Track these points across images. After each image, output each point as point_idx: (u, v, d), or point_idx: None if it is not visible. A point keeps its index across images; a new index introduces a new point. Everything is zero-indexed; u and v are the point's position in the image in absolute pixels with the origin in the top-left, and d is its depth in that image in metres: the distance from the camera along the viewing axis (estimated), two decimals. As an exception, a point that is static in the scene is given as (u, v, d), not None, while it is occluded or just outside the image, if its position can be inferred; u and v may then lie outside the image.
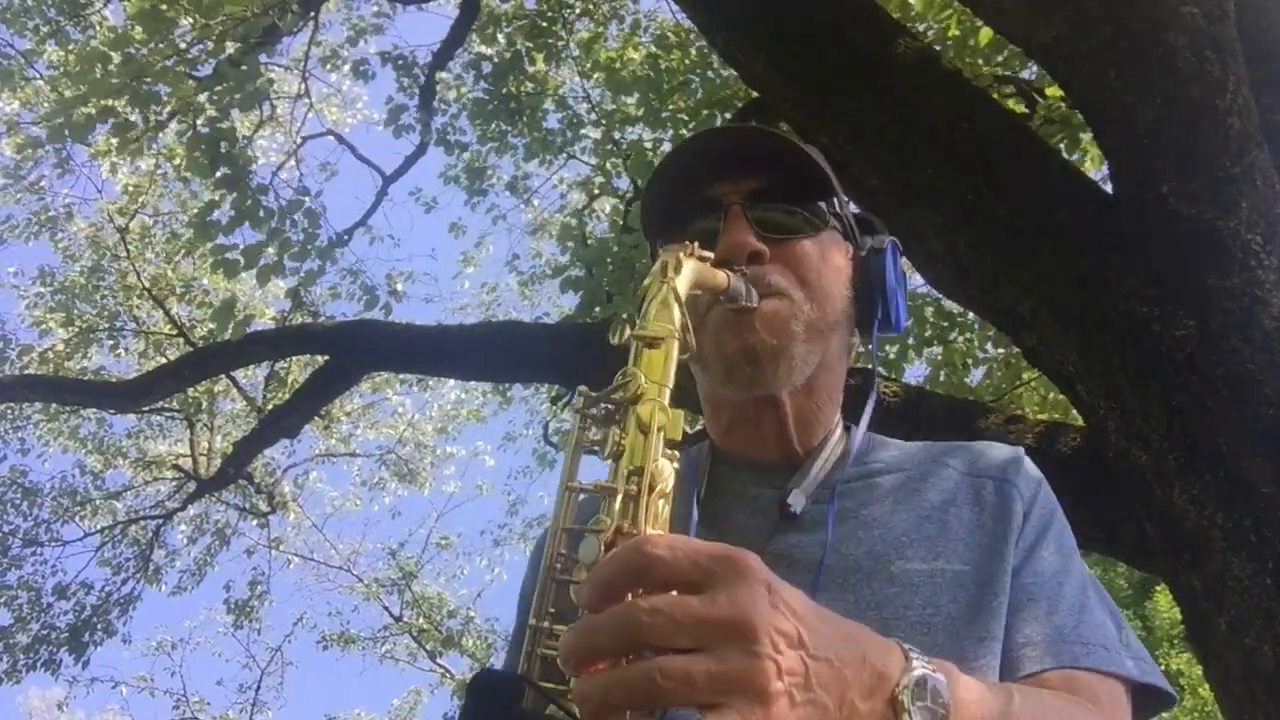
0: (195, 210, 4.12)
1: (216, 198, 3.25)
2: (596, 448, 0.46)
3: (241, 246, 3.21)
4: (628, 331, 0.49)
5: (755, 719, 0.36)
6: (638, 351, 0.48)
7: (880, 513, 0.61)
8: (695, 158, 0.64)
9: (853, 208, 0.71)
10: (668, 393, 0.46)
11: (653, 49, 3.92)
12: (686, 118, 3.57)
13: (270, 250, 3.25)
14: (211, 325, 5.42)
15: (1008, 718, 0.46)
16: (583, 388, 0.49)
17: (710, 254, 0.55)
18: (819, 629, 0.40)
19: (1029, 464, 0.66)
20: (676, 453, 0.45)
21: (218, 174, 3.18)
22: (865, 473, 0.65)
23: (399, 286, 4.12)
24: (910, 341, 3.28)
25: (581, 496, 0.47)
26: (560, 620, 0.44)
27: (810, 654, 0.39)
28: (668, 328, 0.48)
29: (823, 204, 0.67)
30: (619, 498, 0.43)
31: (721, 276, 0.55)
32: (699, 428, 0.68)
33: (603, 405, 0.47)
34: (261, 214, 3.22)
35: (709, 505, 0.63)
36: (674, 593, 0.37)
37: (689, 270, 0.51)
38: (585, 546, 0.41)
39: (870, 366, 0.70)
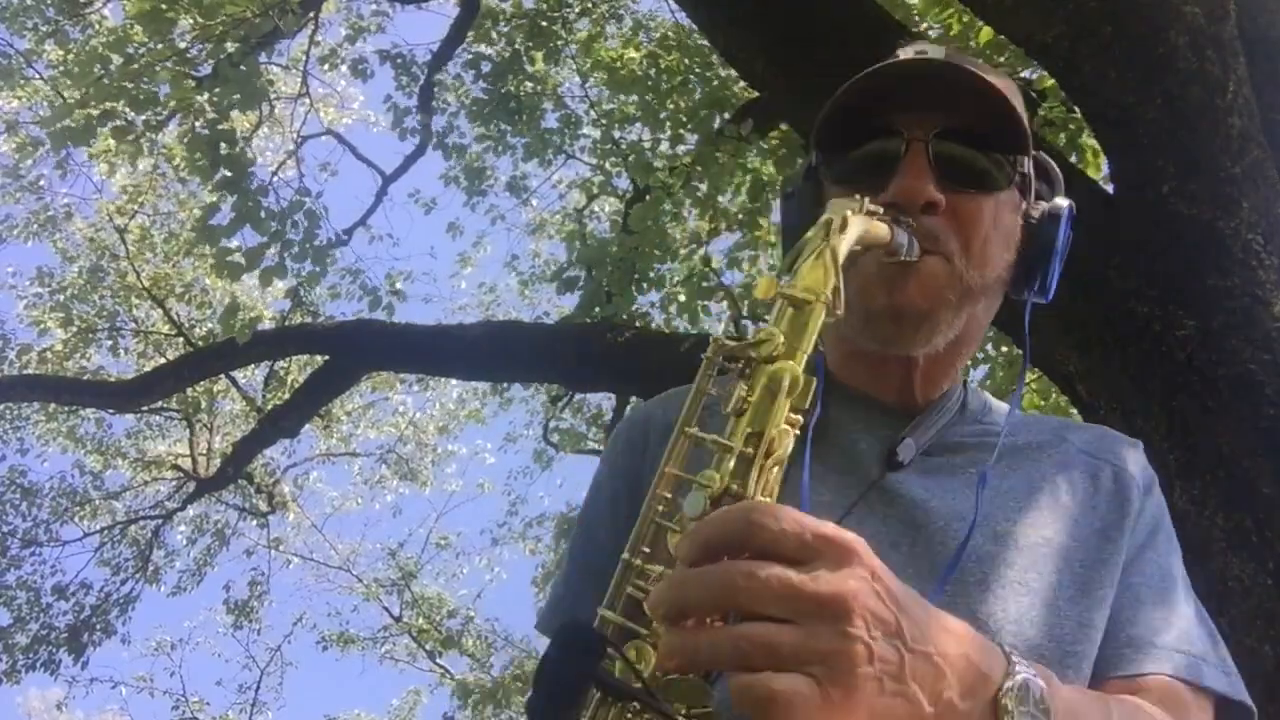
0: (195, 211, 4.12)
1: (216, 199, 3.24)
2: (720, 397, 0.44)
3: (243, 248, 3.21)
4: (774, 286, 0.45)
5: (836, 694, 0.35)
6: (781, 309, 0.44)
7: (991, 473, 0.58)
8: (891, 79, 0.59)
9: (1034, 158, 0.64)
10: (804, 358, 0.44)
11: (652, 49, 3.92)
12: (685, 118, 3.56)
13: (272, 251, 3.24)
14: (211, 325, 5.43)
15: None
16: (717, 334, 0.48)
17: (879, 209, 0.50)
18: (921, 621, 0.39)
19: (1146, 459, 0.64)
20: (799, 419, 0.43)
21: (218, 176, 3.18)
22: (981, 432, 0.62)
23: (398, 286, 4.11)
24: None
25: (692, 443, 0.46)
26: (653, 560, 0.43)
27: (908, 646, 0.38)
28: (817, 290, 0.44)
29: (1013, 157, 0.61)
30: (734, 457, 0.41)
31: (885, 230, 0.51)
32: None
33: (734, 357, 0.44)
34: (263, 215, 3.22)
35: (818, 438, 0.59)
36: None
37: (855, 227, 0.47)
38: (691, 500, 0.40)
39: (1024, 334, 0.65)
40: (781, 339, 0.44)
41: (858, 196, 0.49)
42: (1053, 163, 0.66)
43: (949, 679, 0.39)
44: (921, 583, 0.48)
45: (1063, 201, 0.65)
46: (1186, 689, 0.54)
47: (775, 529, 0.37)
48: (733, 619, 0.36)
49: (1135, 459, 0.63)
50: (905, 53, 0.61)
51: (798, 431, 0.43)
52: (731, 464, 0.41)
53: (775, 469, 0.43)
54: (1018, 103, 0.59)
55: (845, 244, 0.47)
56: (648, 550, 0.44)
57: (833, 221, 0.47)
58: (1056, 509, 0.58)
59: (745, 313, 3.76)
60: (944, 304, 0.58)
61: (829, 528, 0.38)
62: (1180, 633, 0.56)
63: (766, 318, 0.46)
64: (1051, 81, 2.51)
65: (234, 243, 3.21)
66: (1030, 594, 0.54)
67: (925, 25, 3.03)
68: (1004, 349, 3.25)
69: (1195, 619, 0.58)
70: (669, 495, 0.45)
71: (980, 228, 0.59)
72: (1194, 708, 0.54)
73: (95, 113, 3.13)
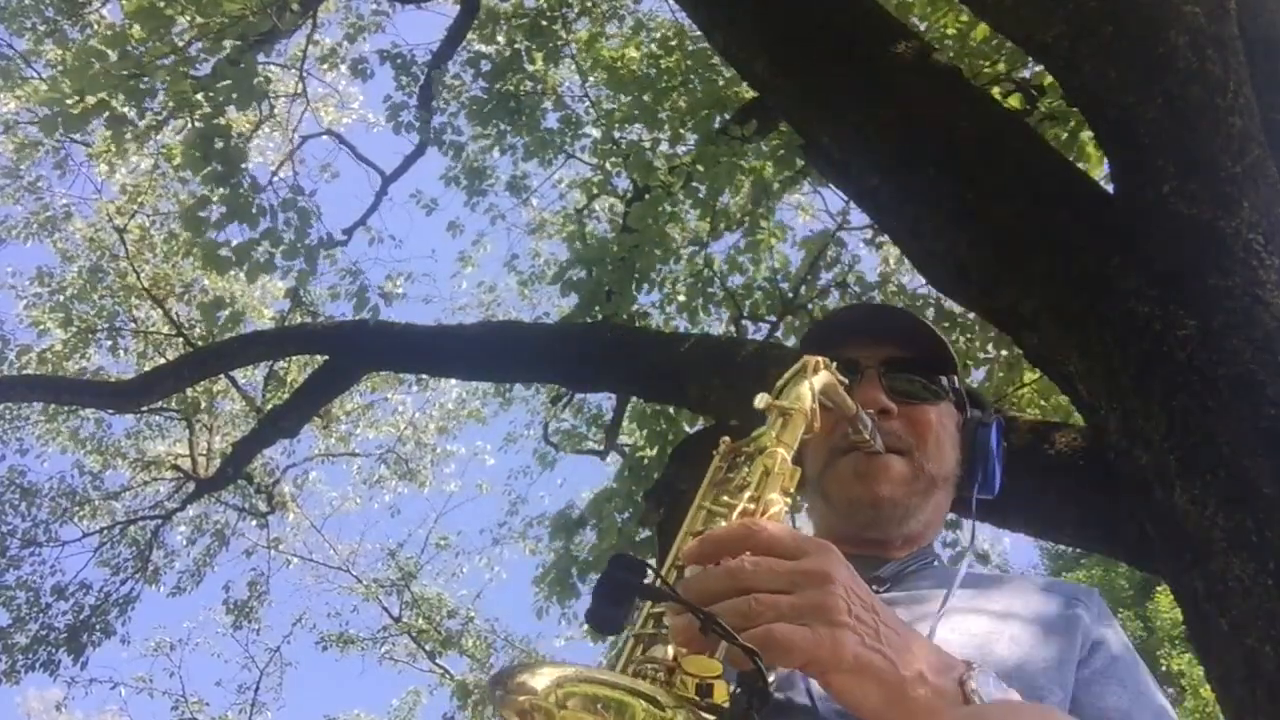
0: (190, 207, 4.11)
1: (210, 191, 3.23)
2: (726, 482, 0.59)
3: (234, 243, 3.20)
4: (768, 400, 0.60)
5: (824, 634, 0.45)
6: (774, 419, 0.59)
7: (961, 606, 0.67)
8: (842, 324, 0.79)
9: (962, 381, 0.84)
10: (791, 452, 0.57)
11: (652, 48, 3.92)
12: (686, 118, 3.56)
13: (262, 248, 3.23)
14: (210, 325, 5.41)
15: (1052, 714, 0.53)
16: (726, 437, 0.62)
17: (846, 380, 0.66)
18: (890, 611, 0.49)
19: (1098, 598, 0.72)
20: (788, 498, 0.55)
21: (209, 169, 3.16)
22: (948, 575, 0.72)
23: (398, 287, 4.11)
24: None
25: (706, 515, 0.57)
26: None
27: (881, 619, 0.48)
28: (800, 405, 0.60)
29: (944, 378, 0.79)
30: (738, 511, 0.53)
31: (851, 403, 0.67)
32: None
33: (737, 453, 0.60)
34: (254, 210, 3.21)
35: None
36: None
37: (824, 376, 0.63)
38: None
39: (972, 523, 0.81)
40: (775, 435, 0.58)
41: (826, 359, 0.65)
42: (979, 392, 0.86)
43: (916, 654, 0.48)
44: None
45: (992, 415, 0.82)
46: None
47: (771, 532, 0.48)
48: None
49: (1085, 593, 0.71)
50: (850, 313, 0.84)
51: (786, 505, 0.54)
52: (735, 516, 0.53)
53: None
54: (941, 335, 0.79)
55: (819, 382, 0.62)
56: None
57: (808, 364, 0.63)
58: (1013, 634, 0.65)
59: (745, 313, 3.75)
60: (911, 493, 0.73)
61: (818, 541, 0.49)
62: None
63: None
64: (1051, 79, 2.50)
65: (224, 236, 3.19)
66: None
67: (925, 26, 3.03)
68: (1004, 351, 3.25)
69: None
70: (682, 564, 0.53)
71: (929, 427, 0.76)
72: None
73: (91, 101, 3.11)
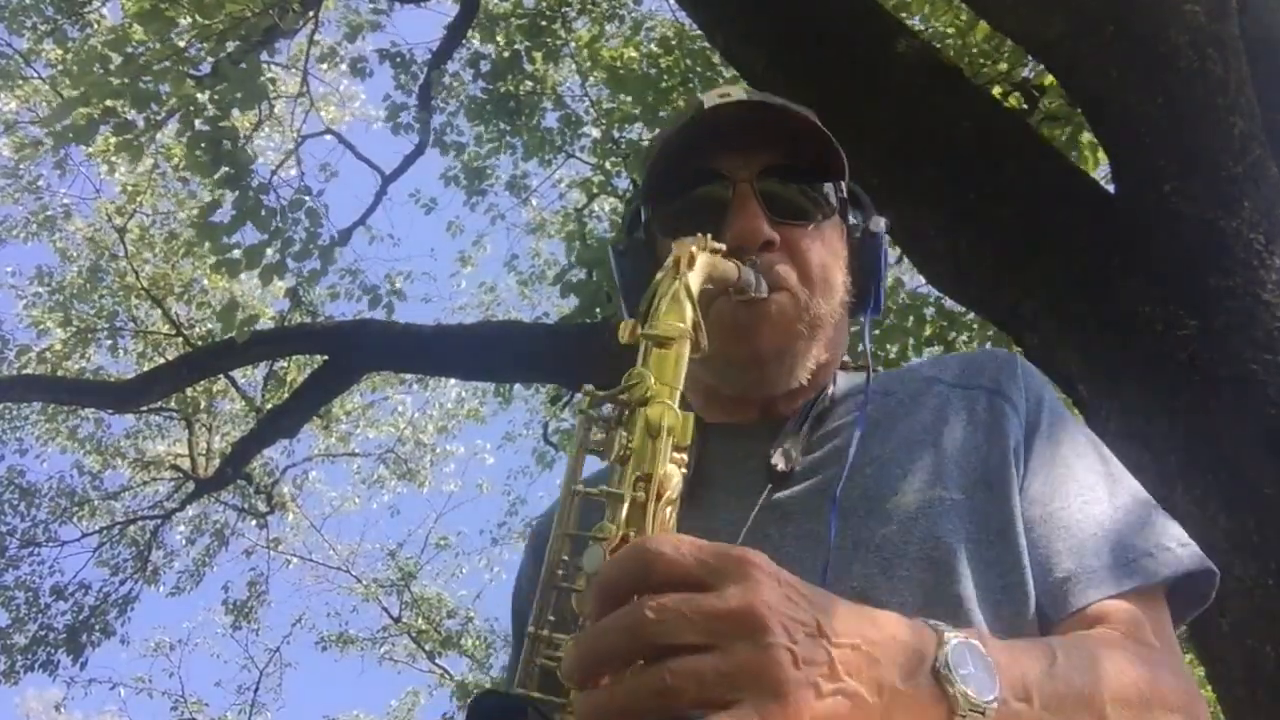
0: (195, 210, 4.11)
1: (217, 197, 3.23)
2: (601, 449, 0.44)
3: (242, 246, 3.20)
4: (637, 329, 0.47)
5: (772, 713, 0.34)
6: (646, 351, 0.46)
7: (869, 445, 0.58)
8: (706, 125, 0.61)
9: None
10: (678, 395, 0.45)
11: (652, 48, 3.92)
12: (686, 117, 3.55)
13: (271, 250, 3.23)
14: (210, 325, 5.42)
15: (1053, 677, 0.44)
16: (588, 386, 0.47)
17: (722, 246, 0.52)
18: (839, 614, 0.38)
19: (1025, 367, 0.62)
20: (684, 457, 0.44)
21: (218, 173, 3.17)
22: (853, 407, 0.62)
23: (398, 286, 4.10)
24: (911, 341, 3.27)
25: (582, 500, 0.46)
26: (561, 628, 0.43)
27: (833, 642, 0.37)
28: (679, 326, 0.46)
29: (829, 186, 0.64)
30: (625, 505, 0.41)
31: (732, 268, 0.53)
32: None
33: (609, 406, 0.45)
34: (263, 213, 3.21)
35: (694, 479, 0.58)
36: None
37: (702, 264, 0.49)
38: (590, 555, 0.40)
39: (862, 350, 0.67)
40: (652, 379, 0.44)
41: (700, 235, 0.50)
42: (860, 189, 0.69)
43: (883, 665, 0.38)
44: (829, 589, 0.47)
45: (880, 220, 0.67)
46: (1132, 600, 0.53)
47: (673, 555, 0.36)
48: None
49: (1008, 374, 0.61)
50: (709, 99, 0.62)
51: (684, 470, 0.43)
52: (624, 512, 0.41)
53: (669, 509, 0.42)
54: (827, 134, 0.62)
55: (696, 279, 0.48)
56: (553, 619, 0.43)
57: (680, 259, 0.48)
58: (940, 462, 0.56)
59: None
60: (796, 336, 0.60)
61: (724, 546, 0.37)
62: (1106, 542, 0.54)
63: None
64: (1051, 78, 2.50)
65: (234, 240, 3.20)
66: (935, 567, 0.52)
67: (925, 26, 3.03)
68: (1005, 349, 3.24)
69: (1121, 513, 0.55)
70: (566, 558, 0.44)
71: (817, 256, 0.61)
72: (1145, 616, 0.52)
73: (95, 112, 3.12)
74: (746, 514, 0.56)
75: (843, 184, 0.66)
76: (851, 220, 0.67)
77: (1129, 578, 0.53)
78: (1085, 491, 0.56)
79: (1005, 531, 0.54)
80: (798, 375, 0.61)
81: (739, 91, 0.62)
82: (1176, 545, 0.55)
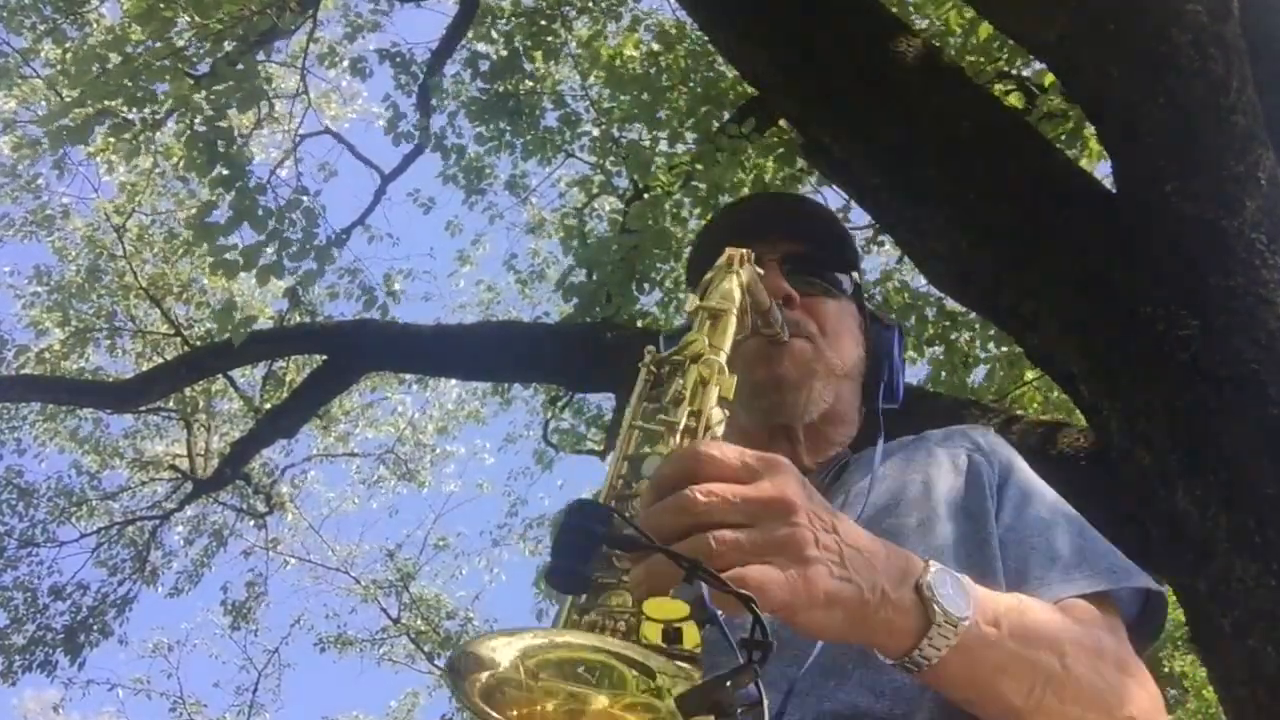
0: (193, 210, 4.10)
1: (214, 197, 3.23)
2: (656, 400, 0.53)
3: (240, 246, 3.19)
4: (695, 302, 0.57)
5: (794, 572, 0.42)
6: (701, 321, 0.56)
7: (858, 483, 0.69)
8: (742, 218, 0.78)
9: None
10: (725, 356, 0.54)
11: (653, 46, 3.91)
12: (686, 116, 3.55)
13: (269, 250, 3.23)
14: (209, 325, 5.41)
15: (1020, 614, 0.52)
16: (650, 347, 0.57)
17: (765, 268, 0.65)
18: (849, 524, 0.47)
19: (998, 439, 0.74)
20: (726, 410, 0.52)
21: (215, 173, 3.16)
22: (864, 472, 0.72)
23: (397, 286, 4.10)
24: (911, 341, 3.27)
25: (638, 439, 0.53)
26: None
27: (844, 540, 0.45)
28: (729, 304, 0.57)
29: (844, 276, 0.78)
30: (679, 430, 0.49)
31: (766, 297, 0.64)
32: None
33: (667, 363, 0.55)
34: (260, 213, 3.20)
35: None
36: None
37: (748, 271, 0.61)
38: (649, 463, 0.47)
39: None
40: (706, 342, 0.54)
41: (749, 252, 0.63)
42: (879, 309, 0.88)
43: (879, 571, 0.46)
44: None
45: (893, 320, 0.83)
46: (1092, 601, 0.60)
47: (719, 455, 0.44)
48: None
49: (985, 440, 0.73)
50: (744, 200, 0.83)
51: (725, 418, 0.51)
52: (677, 437, 0.49)
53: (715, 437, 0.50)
54: (844, 231, 0.79)
55: (746, 275, 0.60)
56: None
57: (734, 258, 0.61)
58: (930, 498, 0.67)
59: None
60: (814, 374, 0.72)
61: (761, 452, 0.45)
62: (1071, 559, 0.62)
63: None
64: (1052, 76, 2.50)
65: (232, 240, 3.19)
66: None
67: (926, 25, 3.03)
68: (1004, 348, 3.25)
69: (1083, 541, 0.64)
70: (624, 475, 0.51)
71: (830, 317, 0.76)
72: (1102, 617, 0.60)
73: (93, 111, 3.12)
74: None
75: (856, 274, 0.80)
76: (866, 314, 0.81)
77: (1093, 582, 0.61)
78: (1053, 526, 0.65)
79: (984, 548, 0.63)
80: (812, 410, 0.72)
81: (771, 193, 0.77)
82: (1135, 572, 0.63)
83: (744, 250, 0.62)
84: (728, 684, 0.36)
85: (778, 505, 0.43)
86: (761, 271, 0.64)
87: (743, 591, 0.39)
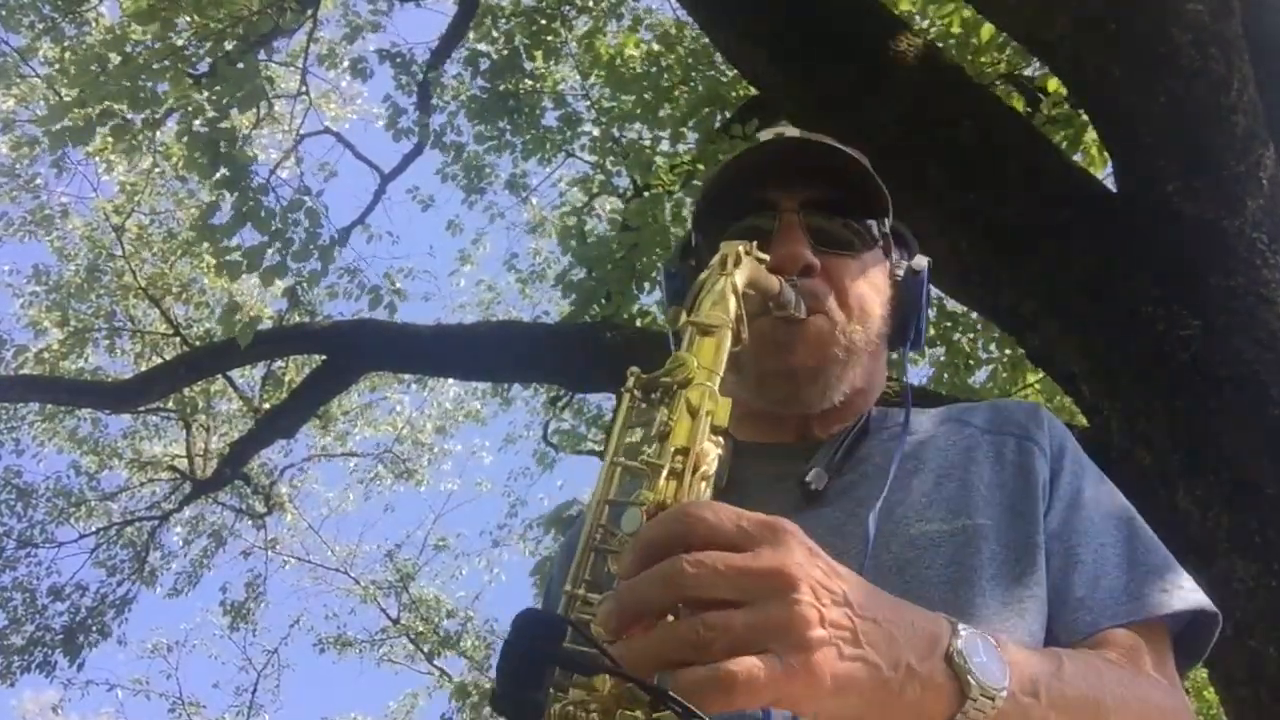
0: (193, 210, 4.09)
1: (216, 198, 3.22)
2: (642, 427, 0.47)
3: (242, 247, 3.19)
4: (683, 316, 0.50)
5: (796, 662, 0.36)
6: (691, 337, 0.49)
7: (900, 476, 0.61)
8: (757, 160, 0.66)
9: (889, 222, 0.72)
10: (718, 379, 0.47)
11: (653, 46, 3.91)
12: (686, 115, 3.55)
13: (272, 251, 3.22)
14: (208, 325, 5.40)
15: (1060, 678, 0.47)
16: (634, 368, 0.49)
17: (767, 256, 0.56)
18: (863, 591, 0.41)
19: (1050, 418, 0.66)
20: (720, 439, 0.46)
21: (218, 174, 3.16)
22: (886, 438, 0.65)
23: (397, 285, 4.09)
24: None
25: (621, 473, 0.48)
26: (596, 589, 0.44)
27: (857, 612, 0.39)
28: (723, 317, 0.49)
29: (873, 221, 0.68)
30: (664, 474, 0.43)
31: (774, 281, 0.57)
32: None
33: (652, 387, 0.48)
34: (263, 214, 3.20)
35: (728, 493, 0.61)
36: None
37: (746, 266, 0.53)
38: (628, 518, 0.41)
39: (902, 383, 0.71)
40: (695, 364, 0.47)
41: (747, 242, 0.55)
42: (906, 229, 0.73)
43: (901, 643, 0.41)
44: None
45: (922, 260, 0.71)
46: (1137, 631, 0.56)
47: (712, 520, 0.39)
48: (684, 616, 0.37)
49: (1035, 422, 0.65)
50: (764, 135, 0.68)
51: (720, 450, 0.46)
52: (662, 480, 0.43)
53: (704, 484, 0.44)
54: (871, 173, 0.66)
55: (741, 277, 0.52)
56: (589, 579, 0.44)
57: (727, 257, 0.53)
58: (967, 495, 0.60)
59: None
60: (832, 360, 0.63)
61: (760, 515, 0.39)
62: (1119, 579, 0.58)
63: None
64: (1054, 79, 2.50)
65: (234, 241, 3.19)
66: (957, 588, 0.56)
67: (927, 23, 3.03)
68: (1008, 350, 3.24)
69: (1137, 555, 0.59)
70: (604, 524, 0.45)
71: (854, 284, 0.65)
72: (1148, 648, 0.55)
73: (94, 112, 3.11)
74: None
75: (886, 220, 0.69)
76: (895, 257, 0.70)
77: (1137, 610, 0.56)
78: (1103, 535, 0.60)
79: (1030, 552, 0.58)
80: (831, 396, 0.64)
81: (792, 130, 0.68)
82: (1186, 588, 0.58)
83: (740, 245, 0.54)
84: None
85: (777, 579, 0.37)
86: (765, 257, 0.55)
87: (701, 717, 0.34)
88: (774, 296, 0.57)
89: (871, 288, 0.66)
